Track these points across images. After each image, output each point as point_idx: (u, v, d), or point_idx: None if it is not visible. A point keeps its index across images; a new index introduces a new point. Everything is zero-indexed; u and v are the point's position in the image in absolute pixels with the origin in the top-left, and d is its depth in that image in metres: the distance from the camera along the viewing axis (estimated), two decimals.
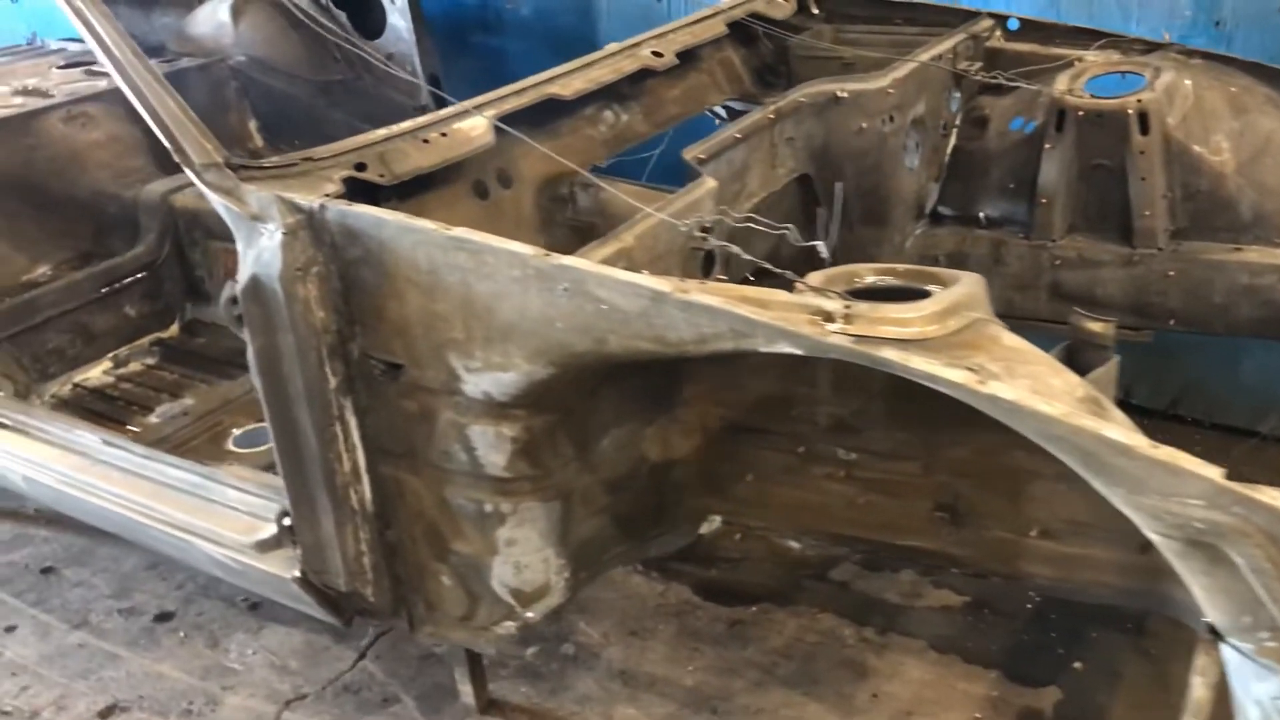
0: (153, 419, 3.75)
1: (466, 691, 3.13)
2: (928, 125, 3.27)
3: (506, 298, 2.10)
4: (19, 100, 4.47)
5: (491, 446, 2.30)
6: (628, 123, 3.06)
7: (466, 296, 2.15)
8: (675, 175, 2.65)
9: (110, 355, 4.08)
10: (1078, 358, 2.20)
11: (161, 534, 2.84)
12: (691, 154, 2.62)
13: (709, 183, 2.47)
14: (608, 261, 2.10)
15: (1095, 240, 3.31)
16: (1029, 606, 3.49)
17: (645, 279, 1.95)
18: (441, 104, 5.21)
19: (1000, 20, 3.65)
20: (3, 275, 4.13)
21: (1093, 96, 3.23)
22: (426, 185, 2.52)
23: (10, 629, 3.68)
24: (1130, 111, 3.12)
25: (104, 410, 3.80)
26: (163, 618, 3.69)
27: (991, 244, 3.36)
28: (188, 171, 2.38)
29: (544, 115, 2.81)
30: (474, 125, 2.57)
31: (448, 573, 2.50)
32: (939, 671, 3.28)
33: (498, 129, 2.58)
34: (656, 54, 3.05)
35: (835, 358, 1.81)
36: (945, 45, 3.37)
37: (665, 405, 2.49)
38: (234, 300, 2.34)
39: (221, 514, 2.76)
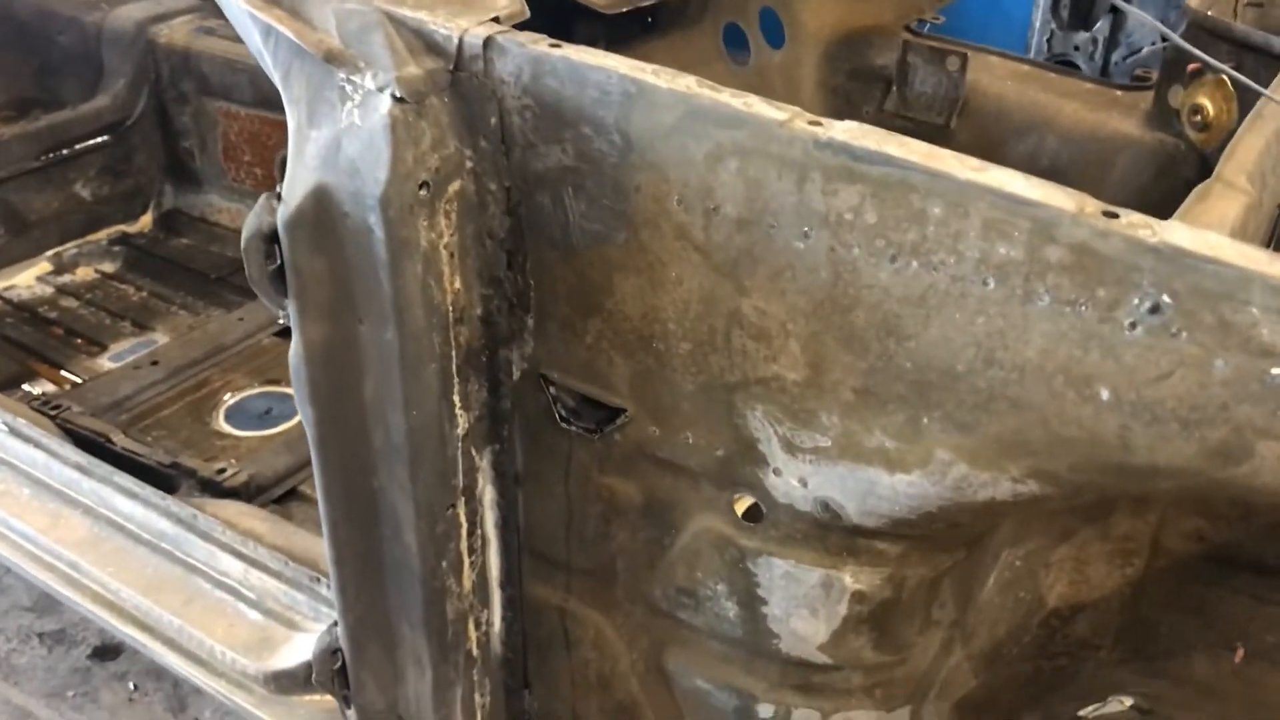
0: (104, 361, 2.47)
1: None
2: None
3: (960, 312, 0.85)
4: None
5: (805, 604, 1.05)
6: None
7: (838, 291, 0.90)
8: None
9: (51, 253, 2.78)
10: None
11: (93, 612, 1.59)
12: None
13: None
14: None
15: None
16: None
17: None
18: None
19: None
20: None
21: None
22: (648, 25, 1.25)
23: None
24: None
25: (32, 341, 2.52)
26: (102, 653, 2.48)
27: None
28: None
29: None
30: None
31: None
32: None
33: None
34: None
35: None
36: None
37: (1098, 510, 1.25)
38: (270, 238, 1.06)
39: (207, 598, 1.52)
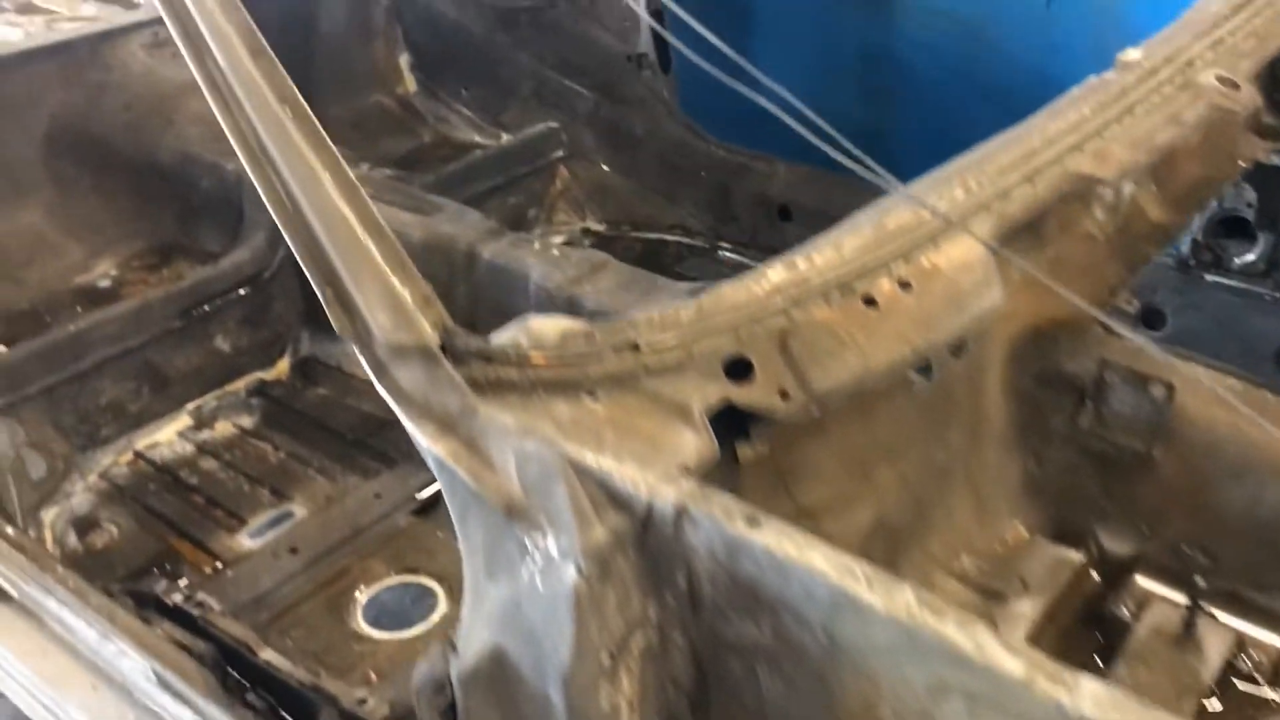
0: (244, 539, 2.46)
1: None
2: None
3: None
4: (89, 10, 3.17)
5: None
6: (1133, 202, 1.63)
7: None
8: None
9: (191, 406, 2.80)
10: None
11: None
12: None
13: None
14: None
15: None
16: None
17: None
18: (664, 52, 3.81)
19: None
20: (50, 273, 2.90)
21: None
22: None
23: None
24: None
25: (173, 513, 2.53)
26: None
27: None
28: (356, 349, 1.05)
29: None
30: (965, 259, 1.19)
31: None
32: None
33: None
34: (1226, 82, 1.62)
35: None
36: None
37: None
38: (442, 684, 1.00)
39: None
